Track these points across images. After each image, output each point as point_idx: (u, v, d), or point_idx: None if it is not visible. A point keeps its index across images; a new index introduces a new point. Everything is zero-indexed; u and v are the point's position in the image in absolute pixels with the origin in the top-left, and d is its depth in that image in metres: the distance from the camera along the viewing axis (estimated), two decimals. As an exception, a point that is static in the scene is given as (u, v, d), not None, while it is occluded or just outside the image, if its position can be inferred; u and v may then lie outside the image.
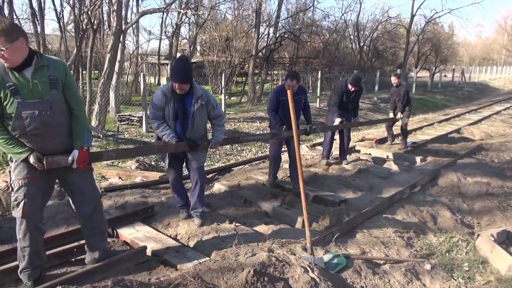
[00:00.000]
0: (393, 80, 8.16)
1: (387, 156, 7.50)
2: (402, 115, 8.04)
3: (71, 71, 2.82)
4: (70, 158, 2.71)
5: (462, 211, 4.90)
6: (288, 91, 3.36)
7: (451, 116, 14.27)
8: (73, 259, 3.25)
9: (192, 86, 3.63)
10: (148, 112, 3.81)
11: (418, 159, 7.29)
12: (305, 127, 5.34)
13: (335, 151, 7.32)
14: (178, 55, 26.94)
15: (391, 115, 8.34)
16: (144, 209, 4.16)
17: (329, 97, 7.12)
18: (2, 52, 2.39)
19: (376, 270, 3.20)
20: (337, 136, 7.16)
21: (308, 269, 2.81)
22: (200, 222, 3.91)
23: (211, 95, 3.83)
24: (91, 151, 3.01)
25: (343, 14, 33.11)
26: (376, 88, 22.89)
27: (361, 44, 27.80)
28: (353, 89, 6.41)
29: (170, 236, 3.73)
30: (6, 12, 11.89)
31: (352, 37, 28.76)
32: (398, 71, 21.47)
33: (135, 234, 3.66)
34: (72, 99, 2.75)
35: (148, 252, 3.32)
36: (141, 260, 3.16)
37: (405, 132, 8.28)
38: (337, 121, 6.26)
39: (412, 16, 26.68)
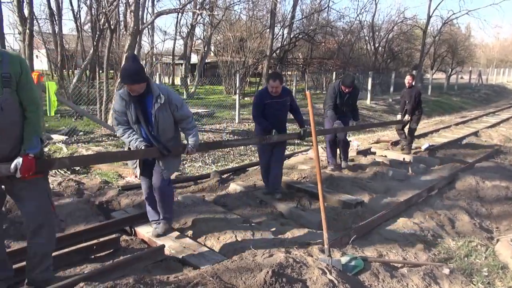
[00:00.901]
0: (408, 79, 7.66)
1: (404, 159, 7.42)
2: (410, 118, 7.56)
3: (26, 70, 2.40)
4: (12, 166, 2.39)
5: (480, 215, 4.83)
6: (307, 93, 3.35)
7: (469, 119, 14.05)
8: (93, 256, 3.29)
9: (149, 85, 3.27)
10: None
11: (435, 162, 7.20)
12: (299, 131, 4.96)
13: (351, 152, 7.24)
14: (193, 55, 27.17)
15: (398, 117, 7.90)
16: (161, 207, 4.20)
17: (324, 101, 6.63)
18: None
19: (394, 274, 3.17)
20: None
21: (326, 271, 2.80)
22: (163, 229, 3.67)
23: (174, 94, 3.47)
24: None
25: (358, 15, 32.88)
26: (391, 89, 22.69)
27: (376, 45, 27.57)
28: (346, 90, 5.99)
29: (187, 236, 3.76)
30: (26, 12, 12.11)
31: (367, 38, 28.55)
32: (414, 72, 21.15)
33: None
34: (26, 99, 2.46)
35: (166, 251, 3.35)
36: (159, 258, 3.18)
37: (412, 137, 7.85)
38: (336, 124, 5.91)
39: (429, 17, 26.31)
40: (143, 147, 3.30)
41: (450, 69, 31.66)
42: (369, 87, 18.83)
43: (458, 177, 5.90)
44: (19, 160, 2.40)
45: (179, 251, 3.35)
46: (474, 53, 38.34)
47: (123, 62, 3.16)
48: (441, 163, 7.19)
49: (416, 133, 10.05)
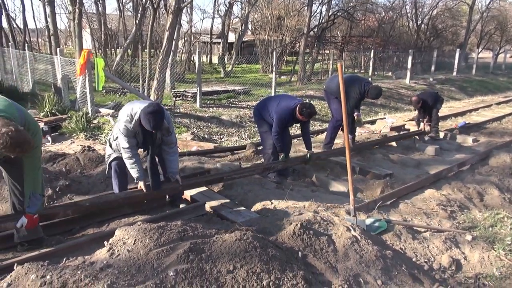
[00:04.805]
0: (414, 105, 7.30)
1: (438, 135, 7.43)
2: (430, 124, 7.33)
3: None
4: (18, 224, 2.77)
5: (511, 191, 4.87)
6: (338, 65, 3.55)
7: (512, 99, 13.56)
8: (143, 209, 3.73)
9: None
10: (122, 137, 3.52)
11: (470, 139, 7.18)
12: (305, 154, 5.00)
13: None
14: (230, 34, 27.37)
15: (421, 126, 7.45)
16: (201, 172, 4.61)
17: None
18: None
19: (416, 236, 3.38)
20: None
21: (351, 228, 3.07)
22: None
23: (171, 121, 3.68)
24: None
25: (400, -9, 31.69)
26: (433, 68, 21.97)
27: (419, 22, 26.62)
28: (370, 100, 6.12)
29: (225, 196, 4.12)
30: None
31: (409, 15, 27.61)
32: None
33: (194, 193, 4.09)
34: (26, 164, 2.74)
35: (206, 208, 3.72)
36: (200, 213, 3.58)
37: (436, 119, 7.45)
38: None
39: (477, -8, 25.06)
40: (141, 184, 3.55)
41: (498, 48, 30.07)
42: (409, 66, 18.37)
43: (493, 154, 5.90)
44: (24, 220, 2.76)
45: (218, 208, 3.72)
46: (526, 31, 36.05)
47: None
48: (476, 141, 7.16)
49: (454, 112, 9.94)
